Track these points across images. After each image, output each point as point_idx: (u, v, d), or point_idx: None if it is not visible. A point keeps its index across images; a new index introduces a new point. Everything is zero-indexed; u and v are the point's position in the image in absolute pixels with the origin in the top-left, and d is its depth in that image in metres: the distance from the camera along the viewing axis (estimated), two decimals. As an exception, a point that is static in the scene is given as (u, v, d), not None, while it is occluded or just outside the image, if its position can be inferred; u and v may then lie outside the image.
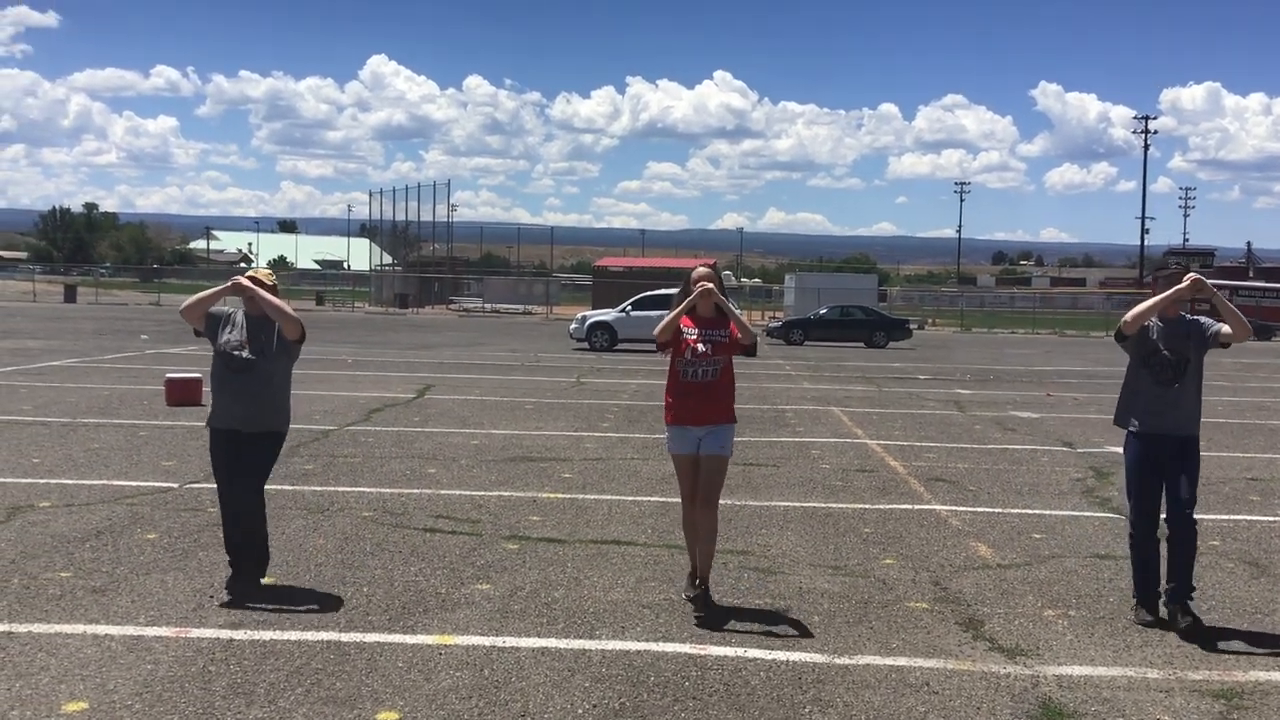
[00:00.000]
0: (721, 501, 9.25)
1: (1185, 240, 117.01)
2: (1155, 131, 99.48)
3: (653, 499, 9.32)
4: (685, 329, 6.20)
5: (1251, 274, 79.32)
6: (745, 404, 17.48)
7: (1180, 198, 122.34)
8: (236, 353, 6.14)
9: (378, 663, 5.17)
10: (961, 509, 9.19)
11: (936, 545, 7.84)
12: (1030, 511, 9.16)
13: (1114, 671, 5.30)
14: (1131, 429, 6.31)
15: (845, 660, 5.35)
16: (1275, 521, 8.92)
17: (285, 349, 6.28)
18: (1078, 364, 29.90)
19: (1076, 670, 5.30)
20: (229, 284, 6.22)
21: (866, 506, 9.22)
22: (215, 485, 6.37)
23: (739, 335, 6.19)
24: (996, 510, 9.18)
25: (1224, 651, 5.62)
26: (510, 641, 5.53)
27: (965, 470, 11.20)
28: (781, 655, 5.40)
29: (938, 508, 9.20)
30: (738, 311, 6.42)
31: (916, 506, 9.29)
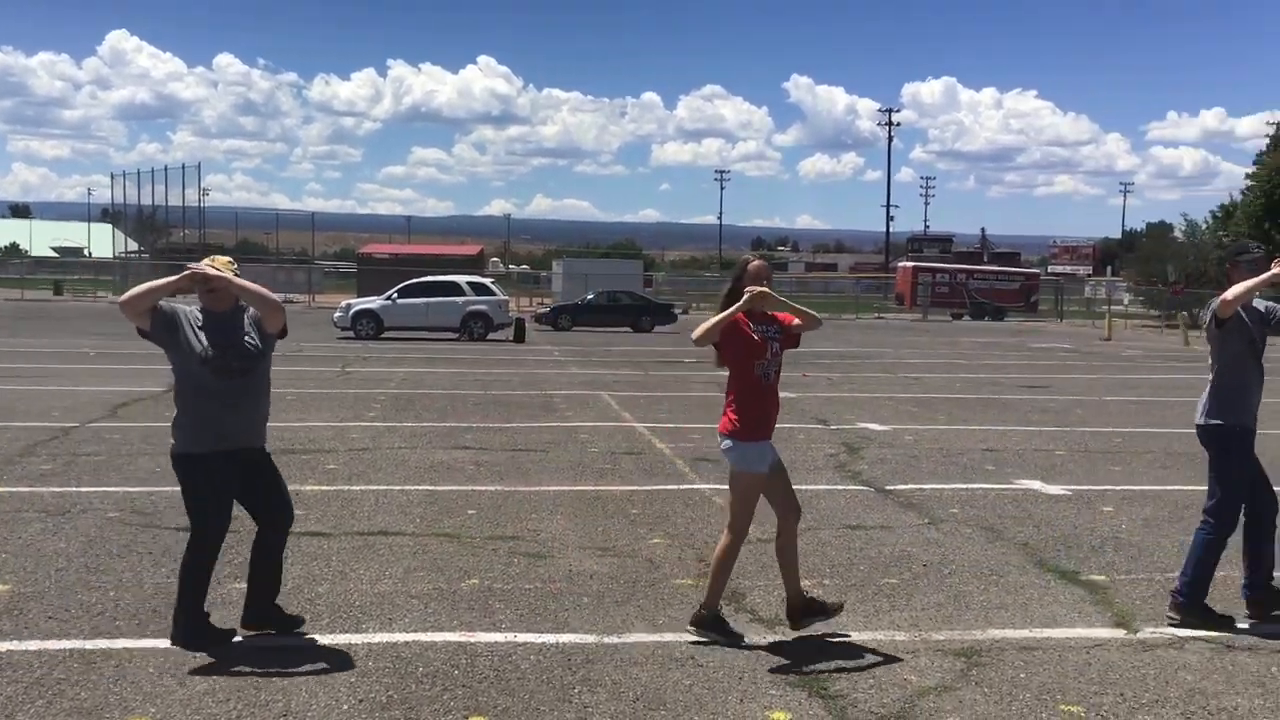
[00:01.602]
0: (491, 488, 9.28)
1: (926, 227, 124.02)
2: (898, 124, 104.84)
3: (420, 488, 9.19)
4: (754, 325, 5.52)
5: (986, 258, 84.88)
6: (514, 390, 17.48)
7: (921, 187, 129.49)
8: (224, 357, 5.15)
9: (127, 670, 4.90)
10: (724, 487, 9.41)
11: (701, 523, 8.05)
12: (789, 487, 9.51)
13: (865, 635, 5.58)
14: (1241, 424, 5.91)
15: (614, 639, 5.44)
16: (1008, 489, 9.58)
17: (269, 345, 5.36)
18: (831, 345, 31.24)
19: (830, 637, 5.55)
20: (184, 274, 5.14)
21: (634, 488, 9.38)
22: (197, 520, 5.27)
23: (798, 323, 5.60)
24: (757, 487, 9.49)
25: (965, 611, 6.00)
26: (271, 640, 5.34)
27: (728, 450, 11.52)
28: (551, 638, 5.44)
29: (702, 487, 9.45)
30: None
31: (682, 486, 9.51)
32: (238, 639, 5.33)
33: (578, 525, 7.94)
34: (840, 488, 9.55)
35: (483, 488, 9.27)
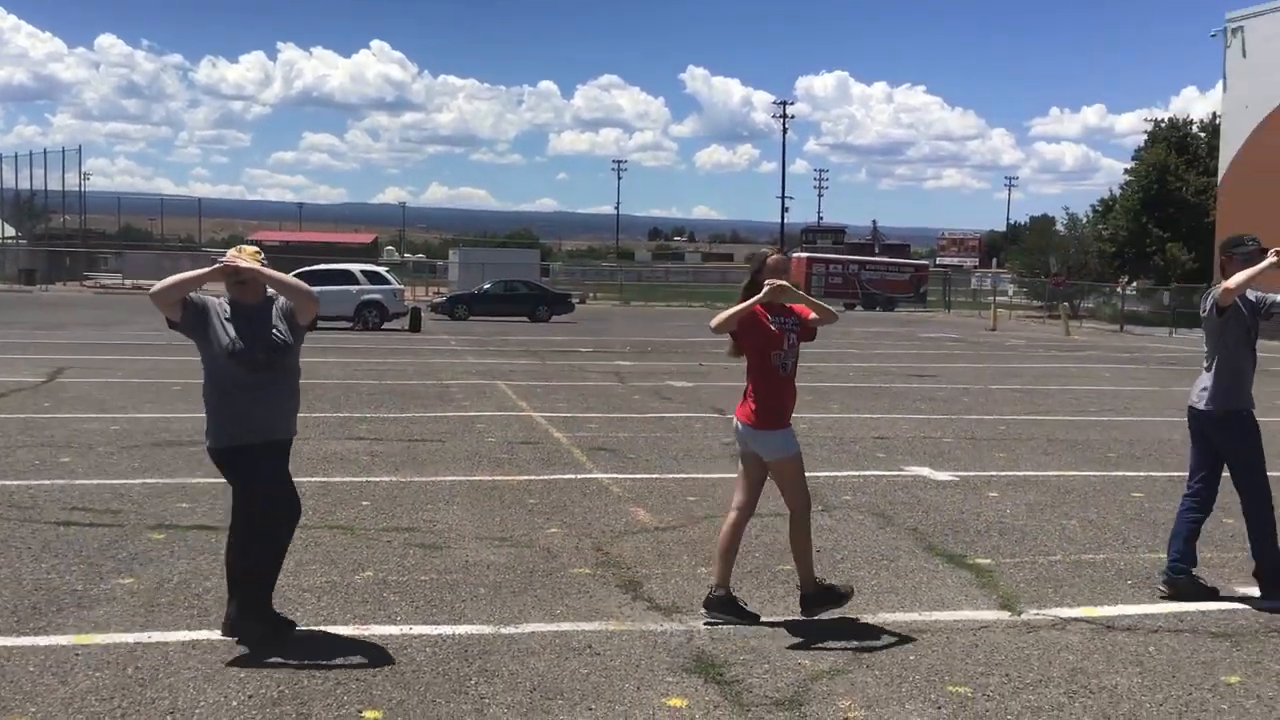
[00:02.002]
0: (386, 478, 9.17)
1: (820, 219, 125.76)
2: (793, 116, 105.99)
3: (313, 479, 9.03)
4: (773, 317, 5.68)
5: (877, 250, 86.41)
6: (410, 380, 17.28)
7: (815, 179, 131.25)
8: (251, 349, 5.05)
9: (5, 668, 4.73)
10: (622, 476, 9.49)
11: (599, 512, 8.06)
12: (685, 476, 9.59)
13: (761, 621, 5.64)
14: (1244, 408, 6.26)
15: (511, 629, 5.42)
16: (898, 476, 9.78)
17: (299, 336, 5.27)
18: (727, 335, 31.53)
19: (727, 623, 5.61)
20: (216, 266, 5.09)
21: (532, 477, 9.35)
22: (235, 517, 5.27)
23: (814, 316, 5.74)
24: (654, 476, 9.55)
25: (857, 596, 6.11)
26: (157, 637, 5.21)
27: (625, 439, 11.57)
28: (447, 629, 5.40)
29: (599, 476, 9.46)
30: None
31: (579, 476, 9.51)
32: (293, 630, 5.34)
33: (474, 515, 7.89)
34: (735, 476, 9.62)
35: (377, 479, 9.16)
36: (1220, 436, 6.27)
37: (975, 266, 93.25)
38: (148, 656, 4.94)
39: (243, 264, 5.06)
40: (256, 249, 5.23)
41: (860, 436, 12.08)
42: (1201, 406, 6.29)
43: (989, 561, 6.89)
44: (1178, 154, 52.03)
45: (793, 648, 5.24)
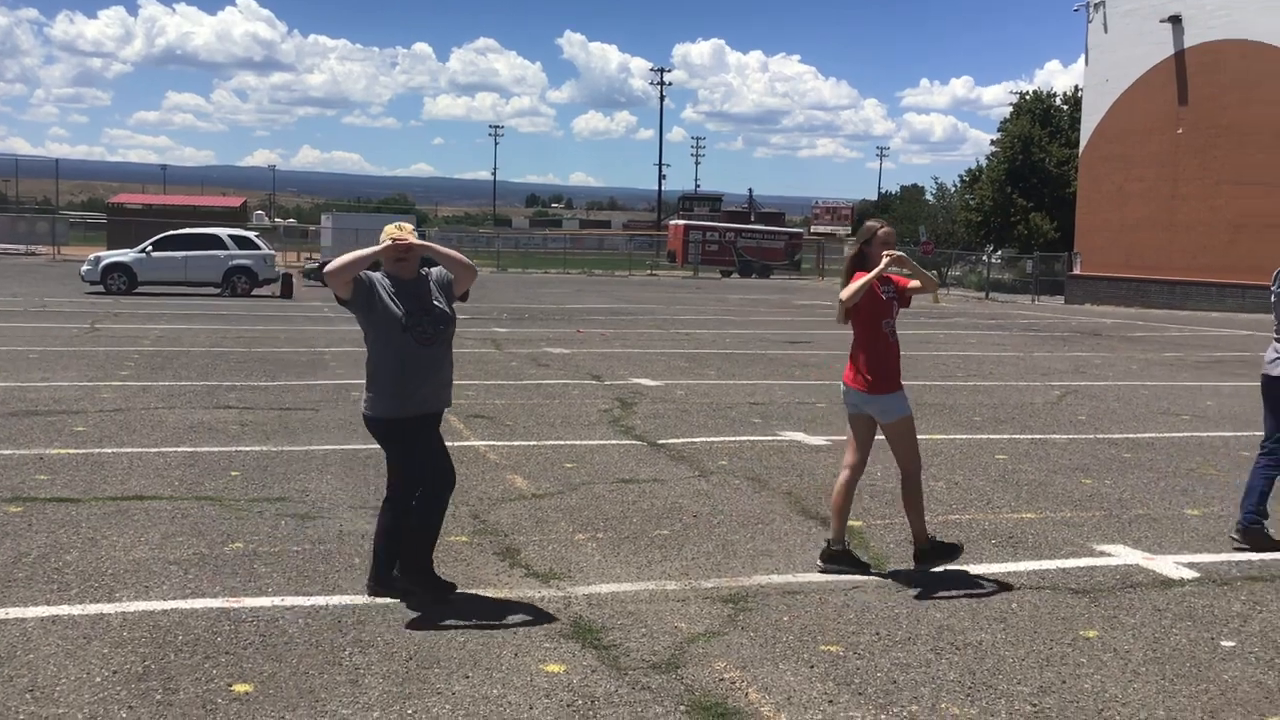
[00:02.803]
0: (256, 448, 8.94)
1: (697, 186, 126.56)
2: (670, 83, 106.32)
3: (179, 450, 8.78)
4: (880, 286, 5.94)
5: (753, 218, 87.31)
6: (281, 347, 16.89)
7: (692, 147, 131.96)
8: (422, 323, 5.24)
9: None
10: (499, 443, 9.44)
11: (476, 479, 8.00)
12: (563, 442, 9.58)
13: (637, 586, 5.69)
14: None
15: (386, 599, 5.34)
16: (773, 441, 9.93)
17: (454, 309, 5.47)
18: (605, 302, 31.56)
19: (604, 588, 5.63)
20: (388, 245, 5.20)
21: (407, 446, 9.22)
22: (429, 480, 5.35)
23: (915, 284, 6.10)
24: (532, 443, 9.52)
25: (732, 559, 6.20)
26: (14, 613, 5.01)
27: (503, 406, 11.50)
28: (321, 600, 5.30)
29: (477, 443, 9.39)
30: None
31: (457, 443, 9.41)
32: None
33: (349, 485, 7.76)
34: (614, 442, 9.67)
35: (247, 448, 8.93)
36: None
37: (848, 235, 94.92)
38: (4, 633, 4.74)
39: (415, 241, 5.25)
40: (413, 227, 5.44)
41: (737, 402, 12.22)
42: (1275, 373, 6.69)
43: (860, 523, 7.04)
44: (1041, 126, 53.61)
45: (670, 612, 5.29)
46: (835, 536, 6.01)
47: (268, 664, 4.52)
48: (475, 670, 4.52)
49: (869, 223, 6.14)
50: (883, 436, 6.07)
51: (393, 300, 5.25)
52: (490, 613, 5.21)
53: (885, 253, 5.87)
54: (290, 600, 5.29)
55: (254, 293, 29.93)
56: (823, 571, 5.91)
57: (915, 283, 6.09)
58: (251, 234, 33.95)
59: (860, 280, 5.83)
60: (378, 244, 5.25)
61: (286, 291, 30.31)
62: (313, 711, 4.11)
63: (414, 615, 5.12)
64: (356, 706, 4.16)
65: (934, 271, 46.25)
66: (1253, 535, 6.61)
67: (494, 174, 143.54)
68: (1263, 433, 6.88)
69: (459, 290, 5.47)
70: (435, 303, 5.34)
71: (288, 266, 39.30)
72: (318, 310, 25.09)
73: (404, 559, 5.34)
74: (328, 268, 5.18)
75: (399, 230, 5.31)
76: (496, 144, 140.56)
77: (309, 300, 28.80)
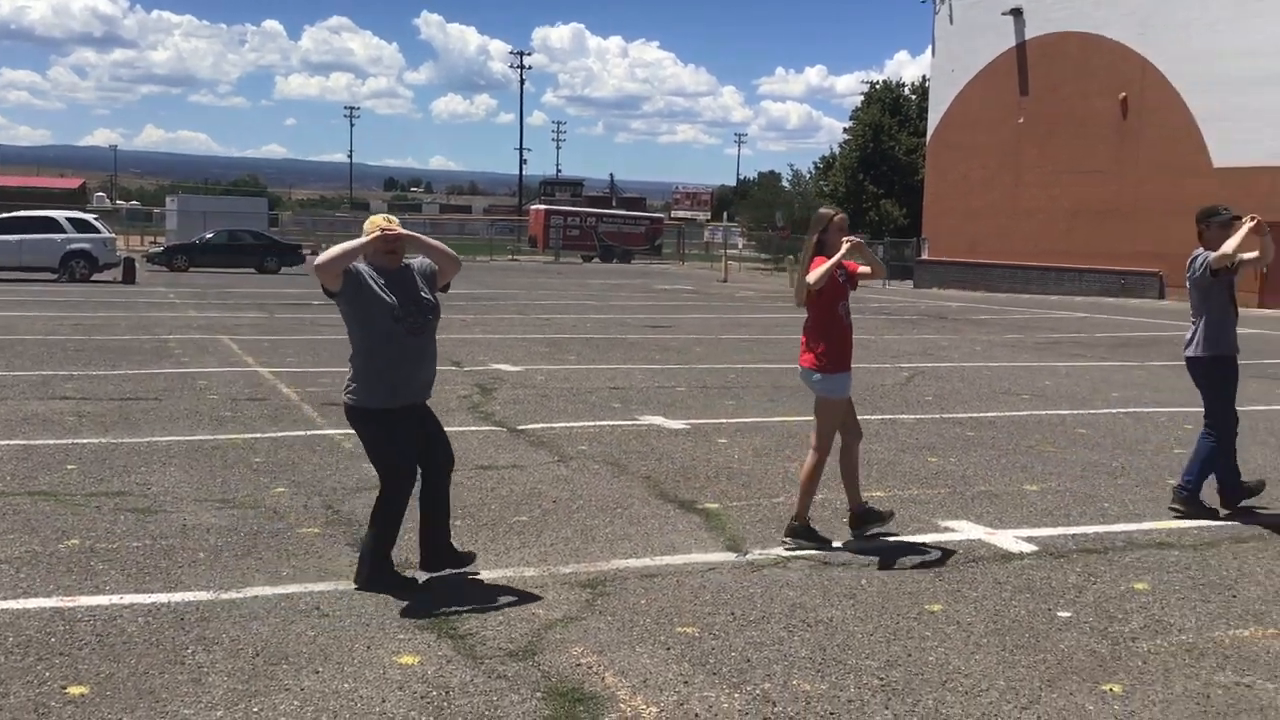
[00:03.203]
0: (94, 440, 8.57)
1: (558, 171, 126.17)
2: (530, 67, 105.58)
3: (11, 443, 8.37)
4: (838, 273, 6.24)
5: (614, 203, 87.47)
6: (123, 335, 16.25)
7: (553, 131, 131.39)
8: (409, 314, 5.28)
9: None
10: (352, 431, 9.22)
11: (330, 469, 7.83)
12: (420, 430, 9.42)
13: (495, 574, 5.64)
14: (1233, 352, 7.10)
15: (232, 595, 5.18)
16: (633, 425, 9.96)
17: (437, 299, 5.49)
18: (465, 287, 31.21)
19: (461, 576, 5.56)
20: (377, 236, 5.25)
21: (258, 435, 8.98)
22: (394, 477, 5.39)
23: (865, 270, 6.41)
24: (388, 431, 9.34)
25: (591, 544, 6.19)
26: None
27: (358, 393, 11.26)
28: (162, 597, 5.11)
29: (331, 432, 9.19)
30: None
31: (310, 432, 9.21)
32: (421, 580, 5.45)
33: (193, 477, 7.50)
34: (473, 429, 9.58)
35: (85, 440, 8.56)
36: (1204, 377, 7.16)
37: (708, 220, 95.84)
38: None
39: (405, 233, 5.34)
40: (394, 218, 5.49)
41: (597, 387, 12.23)
42: (1193, 354, 7.15)
43: (717, 506, 7.12)
44: (891, 115, 55.03)
45: (528, 599, 5.26)
46: (853, 504, 6.48)
47: (105, 664, 4.34)
48: (325, 665, 4.41)
49: (823, 210, 6.47)
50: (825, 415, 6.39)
51: (383, 291, 5.28)
52: (342, 606, 5.10)
53: (846, 239, 6.17)
54: (129, 598, 5.08)
55: (94, 278, 28.74)
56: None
57: (865, 269, 6.42)
58: (90, 217, 32.58)
59: (825, 264, 6.13)
60: (363, 236, 5.30)
61: (129, 276, 29.18)
62: (153, 712, 3.95)
63: (261, 611, 4.98)
64: (199, 706, 4.02)
65: (792, 256, 47.10)
66: (1183, 501, 7.06)
67: (350, 156, 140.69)
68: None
69: (443, 281, 5.55)
70: (422, 293, 5.39)
71: (130, 250, 37.82)
72: (162, 296, 24.22)
73: (434, 540, 5.55)
74: (317, 260, 5.25)
75: (386, 222, 5.38)
76: (353, 125, 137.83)
77: (152, 285, 27.78)
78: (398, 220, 5.47)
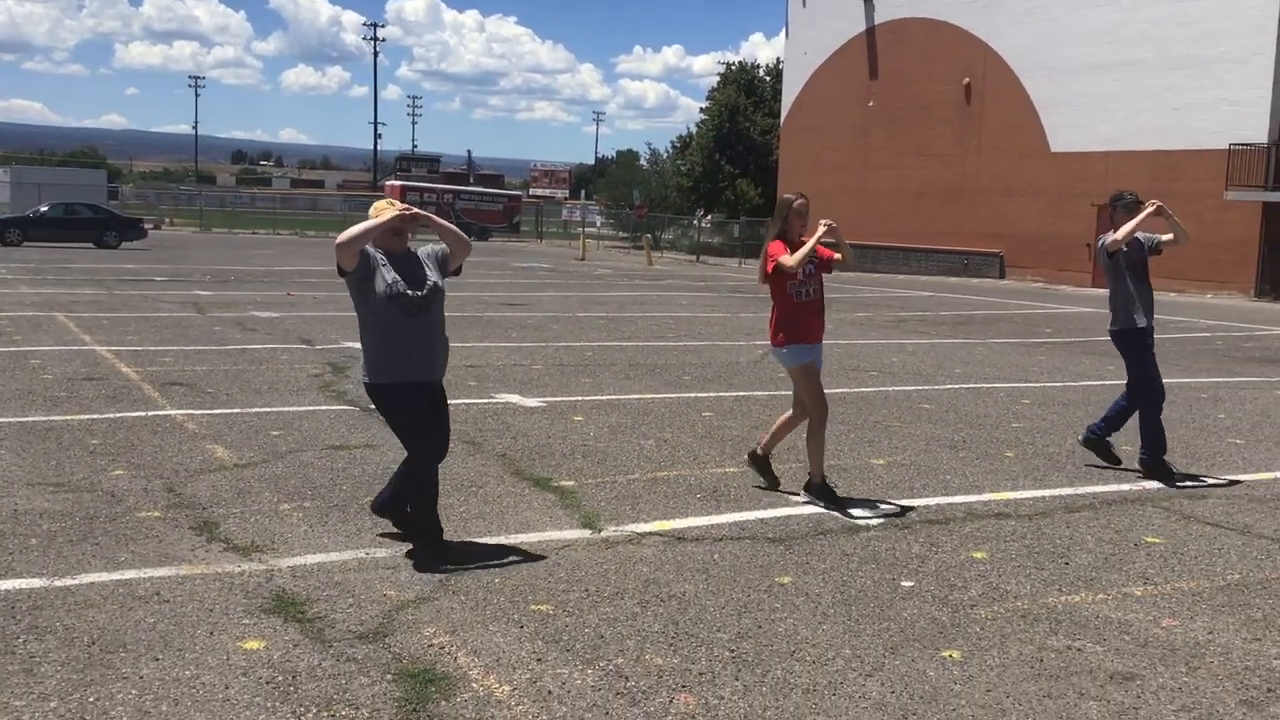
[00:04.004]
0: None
1: (414, 147, 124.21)
2: (384, 39, 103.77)
3: None
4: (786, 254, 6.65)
5: (472, 179, 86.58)
6: (-53, 312, 15.38)
7: (409, 106, 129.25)
8: (413, 292, 5.47)
9: None
10: (198, 412, 8.96)
11: (171, 451, 7.57)
12: (269, 410, 9.20)
13: (346, 555, 5.54)
14: (1140, 325, 7.67)
15: (67, 581, 4.98)
16: (489, 403, 9.90)
17: (443, 283, 5.68)
18: (318, 264, 30.50)
19: (310, 559, 5.45)
20: (396, 215, 5.44)
21: (95, 417, 8.62)
22: (419, 442, 5.59)
23: (838, 257, 6.83)
24: (235, 411, 9.09)
25: (445, 523, 6.13)
26: None
27: (204, 373, 10.93)
28: (-10, 587, 4.88)
29: (173, 413, 8.88)
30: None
31: (150, 413, 8.88)
32: None
33: (25, 460, 7.17)
34: (324, 408, 9.38)
35: (-95, 424, 8.09)
36: (1122, 348, 7.85)
37: (566, 198, 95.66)
38: None
39: (418, 213, 5.56)
40: (397, 202, 5.63)
41: (453, 365, 12.00)
42: (1110, 327, 7.89)
43: (572, 483, 7.13)
44: (746, 96, 55.64)
45: (379, 580, 5.18)
46: (813, 470, 6.82)
47: (-74, 659, 4.12)
48: (166, 652, 4.27)
49: (785, 196, 6.90)
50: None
51: (386, 271, 5.47)
52: (184, 591, 4.94)
53: (822, 222, 6.55)
54: (-46, 588, 4.84)
55: (-84, 252, 27.16)
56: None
57: (838, 255, 6.84)
58: (-88, 187, 30.77)
59: (805, 249, 6.59)
60: (369, 219, 5.45)
61: (-44, 251, 27.68)
62: (-21, 708, 3.77)
63: (97, 598, 4.79)
64: (31, 697, 3.85)
65: (649, 235, 47.39)
66: (1148, 468, 7.70)
67: (195, 128, 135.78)
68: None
69: (454, 264, 5.77)
70: (427, 275, 5.59)
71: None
72: (-7, 272, 23.04)
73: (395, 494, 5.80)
74: (338, 240, 5.41)
75: (391, 206, 5.54)
76: (198, 96, 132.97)
77: (-18, 261, 26.39)
78: (403, 206, 5.65)
